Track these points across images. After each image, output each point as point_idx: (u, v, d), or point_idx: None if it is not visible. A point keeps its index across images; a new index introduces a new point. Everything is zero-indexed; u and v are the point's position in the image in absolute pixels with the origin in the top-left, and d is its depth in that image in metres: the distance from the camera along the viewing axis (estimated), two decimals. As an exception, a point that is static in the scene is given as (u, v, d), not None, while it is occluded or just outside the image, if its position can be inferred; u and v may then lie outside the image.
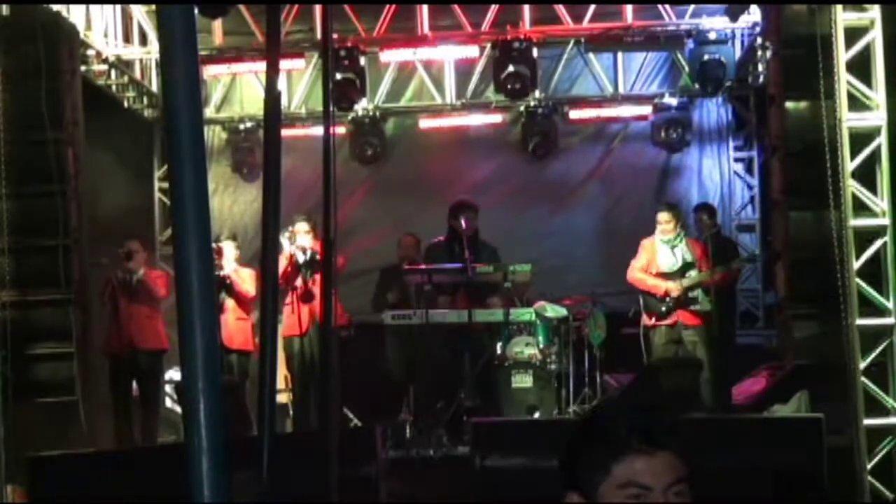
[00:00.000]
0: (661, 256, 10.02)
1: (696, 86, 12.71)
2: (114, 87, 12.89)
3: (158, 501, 7.30)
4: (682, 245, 10.06)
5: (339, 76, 12.03)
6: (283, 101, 12.74)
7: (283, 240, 9.60)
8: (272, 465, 2.36)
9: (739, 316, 12.83)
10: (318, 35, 12.32)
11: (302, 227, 9.88)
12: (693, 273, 9.96)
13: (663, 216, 10.18)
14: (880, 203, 9.23)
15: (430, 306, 9.43)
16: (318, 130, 9.70)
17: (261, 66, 12.38)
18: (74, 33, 10.98)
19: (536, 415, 10.15)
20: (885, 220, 9.20)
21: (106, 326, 10.15)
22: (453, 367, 9.66)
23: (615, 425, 2.07)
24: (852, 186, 9.16)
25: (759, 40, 12.28)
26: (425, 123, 13.60)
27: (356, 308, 10.94)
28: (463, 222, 9.77)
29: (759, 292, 13.45)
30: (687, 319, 9.97)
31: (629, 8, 12.49)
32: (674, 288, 9.90)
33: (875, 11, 9.28)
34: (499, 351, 9.97)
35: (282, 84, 10.60)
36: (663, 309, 9.88)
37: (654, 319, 9.96)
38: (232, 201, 13.72)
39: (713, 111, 13.82)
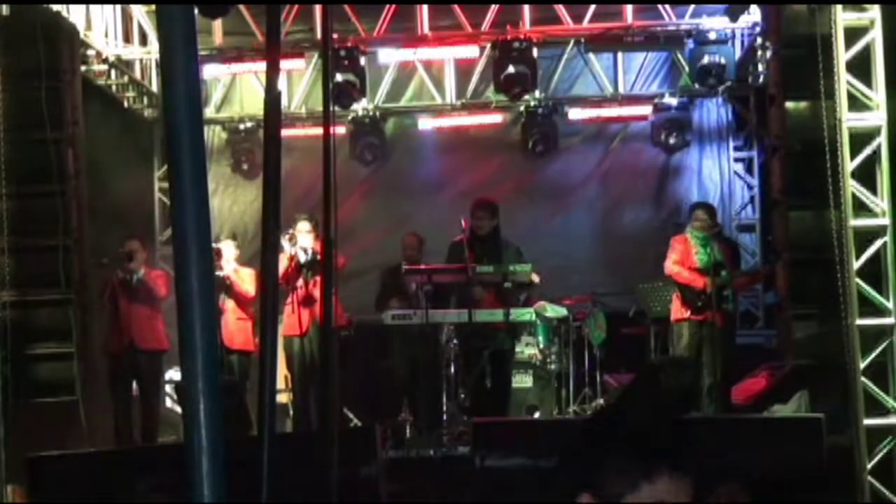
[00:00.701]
0: (696, 253, 9.85)
1: (696, 86, 12.70)
2: (114, 87, 12.90)
3: (159, 501, 7.31)
4: (713, 244, 9.90)
5: (339, 76, 12.02)
6: (283, 101, 12.73)
7: (284, 241, 9.59)
8: (272, 465, 2.36)
9: (739, 316, 12.81)
10: (318, 35, 12.32)
11: (304, 226, 9.86)
12: (724, 273, 9.80)
13: (700, 213, 10.01)
14: (880, 203, 9.23)
15: (466, 300, 9.24)
16: (318, 130, 9.66)
17: (261, 66, 12.37)
18: (74, 33, 10.98)
19: (536, 415, 10.17)
20: (885, 220, 9.20)
21: (106, 326, 10.14)
22: (456, 368, 9.61)
23: (652, 443, 2.08)
24: (852, 186, 9.17)
25: (759, 40, 12.28)
26: (425, 123, 13.60)
27: (356, 308, 10.94)
28: (462, 222, 9.72)
29: (758, 292, 13.45)
30: (715, 318, 9.80)
31: (629, 8, 12.48)
32: (710, 282, 9.72)
33: (875, 11, 9.28)
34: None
35: (282, 84, 10.55)
36: (699, 304, 9.71)
37: (689, 312, 9.75)
38: (232, 201, 13.72)
39: (713, 111, 13.82)
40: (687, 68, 12.88)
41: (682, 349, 9.74)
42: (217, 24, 12.78)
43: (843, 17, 9.21)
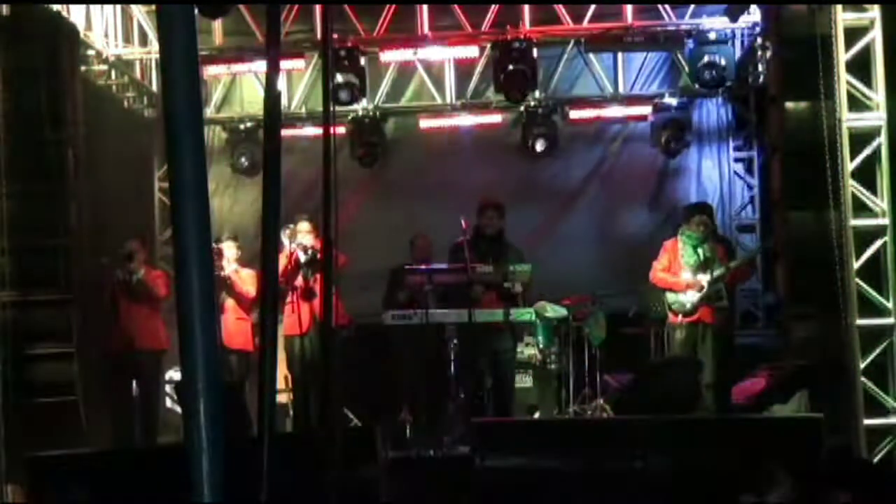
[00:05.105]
0: (684, 255, 9.83)
1: (696, 86, 12.70)
2: (114, 88, 12.89)
3: (159, 501, 7.31)
4: (706, 244, 9.88)
5: (339, 76, 12.02)
6: (283, 101, 12.73)
7: (284, 237, 9.60)
8: (272, 465, 2.36)
9: (739, 316, 12.82)
10: (318, 35, 12.32)
11: (304, 226, 9.86)
12: (717, 270, 9.77)
13: (701, 217, 10.00)
14: (880, 203, 9.24)
15: (467, 300, 9.16)
16: (318, 130, 9.66)
17: (261, 66, 12.38)
18: (74, 33, 10.98)
19: (536, 415, 10.18)
20: (885, 220, 9.21)
21: (106, 326, 10.14)
22: (456, 368, 9.60)
23: None
24: (852, 186, 9.17)
25: (759, 40, 12.28)
26: (425, 123, 13.58)
27: (357, 308, 10.93)
28: (462, 222, 9.67)
29: (759, 292, 13.44)
30: (707, 317, 9.80)
31: (629, 8, 12.48)
32: (695, 283, 9.70)
33: (875, 11, 9.30)
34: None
35: (282, 84, 10.55)
36: (688, 306, 9.69)
37: (679, 317, 9.74)
38: (232, 201, 13.70)
39: (713, 111, 13.82)
40: (687, 68, 12.87)
41: (676, 350, 9.76)
42: (217, 24, 12.78)
43: (843, 17, 9.23)
